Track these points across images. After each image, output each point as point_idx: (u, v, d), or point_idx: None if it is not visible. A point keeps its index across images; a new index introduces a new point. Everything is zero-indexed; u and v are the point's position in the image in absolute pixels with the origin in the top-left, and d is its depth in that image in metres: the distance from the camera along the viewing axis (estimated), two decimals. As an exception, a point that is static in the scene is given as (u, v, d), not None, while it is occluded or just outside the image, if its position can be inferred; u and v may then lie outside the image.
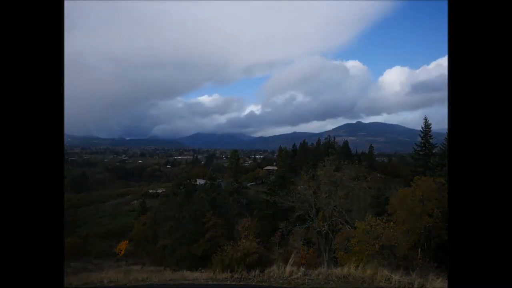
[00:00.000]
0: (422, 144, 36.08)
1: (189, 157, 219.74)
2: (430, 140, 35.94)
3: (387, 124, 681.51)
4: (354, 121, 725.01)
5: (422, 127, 36.80)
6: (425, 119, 36.62)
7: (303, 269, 8.27)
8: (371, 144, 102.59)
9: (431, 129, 36.87)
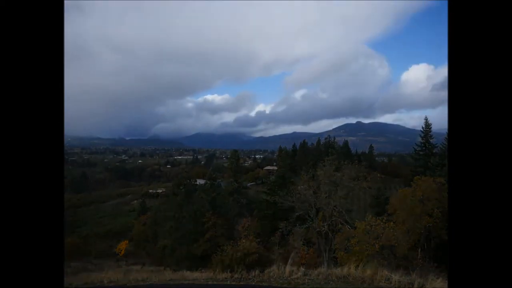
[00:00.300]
0: (422, 144, 36.09)
1: (189, 157, 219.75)
2: (430, 140, 35.95)
3: (387, 124, 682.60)
4: (354, 121, 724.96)
5: (422, 127, 36.83)
6: (426, 119, 36.65)
7: (303, 269, 8.28)
8: (371, 144, 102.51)
9: (431, 129, 36.88)
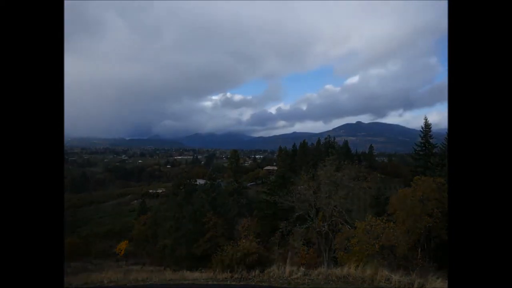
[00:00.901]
0: (422, 144, 36.06)
1: (189, 157, 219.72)
2: (430, 140, 35.93)
3: (387, 124, 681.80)
4: (354, 121, 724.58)
5: (422, 127, 36.80)
6: (425, 119, 36.64)
7: (303, 269, 8.28)
8: (371, 144, 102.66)
9: (431, 129, 36.86)
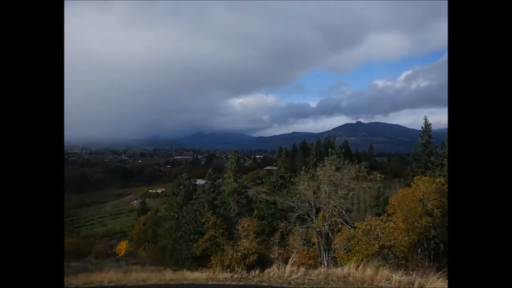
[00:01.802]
0: (422, 144, 36.05)
1: (189, 157, 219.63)
2: (430, 140, 35.92)
3: (387, 124, 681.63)
4: (354, 121, 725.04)
5: (422, 127, 36.78)
6: (425, 119, 36.62)
7: (303, 269, 8.28)
8: (371, 144, 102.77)
9: (431, 129, 36.85)
